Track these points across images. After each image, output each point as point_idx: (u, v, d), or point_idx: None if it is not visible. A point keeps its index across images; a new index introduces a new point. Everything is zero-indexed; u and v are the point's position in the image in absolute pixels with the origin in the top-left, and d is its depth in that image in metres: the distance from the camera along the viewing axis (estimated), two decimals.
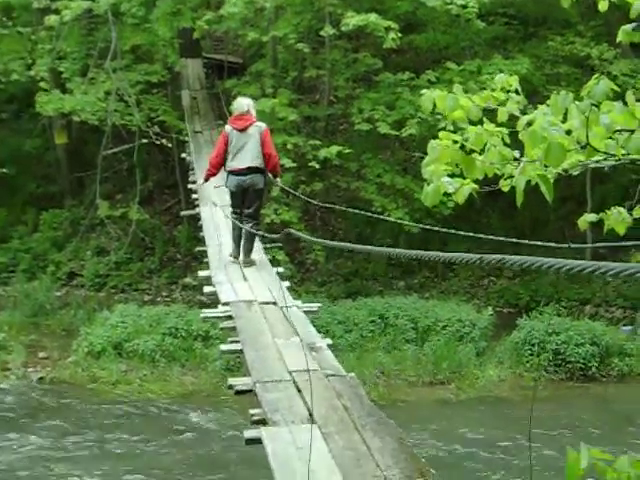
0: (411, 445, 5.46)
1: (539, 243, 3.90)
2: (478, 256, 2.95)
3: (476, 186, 3.88)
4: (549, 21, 20.30)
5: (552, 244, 3.77)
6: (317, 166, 16.88)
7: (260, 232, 10.64)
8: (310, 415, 5.91)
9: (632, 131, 3.46)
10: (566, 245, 3.75)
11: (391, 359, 14.97)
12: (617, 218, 4.34)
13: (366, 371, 14.25)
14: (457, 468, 11.45)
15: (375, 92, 17.94)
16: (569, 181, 5.88)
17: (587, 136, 3.38)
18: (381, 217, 8.31)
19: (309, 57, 18.99)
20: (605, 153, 3.56)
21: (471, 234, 4.38)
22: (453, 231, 4.59)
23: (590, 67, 17.73)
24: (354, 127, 17.77)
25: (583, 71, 18.02)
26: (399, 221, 9.72)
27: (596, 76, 3.50)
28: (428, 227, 5.61)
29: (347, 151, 17.00)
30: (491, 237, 4.41)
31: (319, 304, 10.07)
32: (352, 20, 16.08)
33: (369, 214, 7.84)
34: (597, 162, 3.76)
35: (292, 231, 7.35)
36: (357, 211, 8.20)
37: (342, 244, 6.58)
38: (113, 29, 18.55)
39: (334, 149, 16.81)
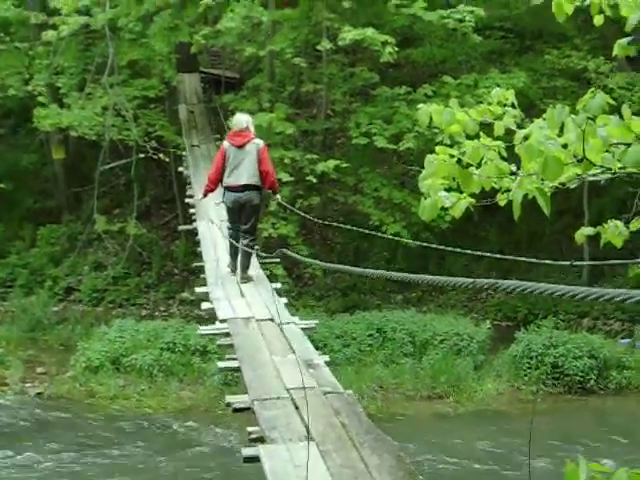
0: (409, 462, 5.42)
1: (543, 261, 3.88)
2: (470, 280, 2.94)
3: (473, 200, 3.87)
4: (545, 35, 20.36)
5: (555, 262, 3.75)
6: (314, 180, 16.86)
7: (256, 248, 10.61)
8: (308, 433, 5.87)
9: (628, 144, 3.44)
10: (568, 262, 3.72)
11: (389, 373, 14.92)
12: (614, 231, 4.33)
13: (364, 385, 14.21)
14: None
15: (372, 106, 17.96)
16: (566, 194, 5.86)
17: (584, 150, 3.37)
18: (378, 234, 8.27)
19: (306, 71, 19.00)
20: (602, 166, 3.55)
21: (469, 251, 4.36)
22: (450, 248, 4.56)
23: (586, 80, 17.77)
24: (351, 141, 17.77)
25: (579, 84, 18.05)
26: (396, 238, 9.72)
27: (592, 90, 3.49)
28: (425, 244, 5.58)
29: (344, 165, 17.00)
30: (491, 255, 4.38)
31: (316, 321, 10.03)
32: (349, 34, 16.11)
33: (365, 231, 7.81)
34: (594, 175, 3.75)
35: (286, 251, 7.33)
36: (352, 227, 8.18)
37: (338, 266, 6.53)
38: (110, 44, 18.57)
39: (331, 163, 16.80)
